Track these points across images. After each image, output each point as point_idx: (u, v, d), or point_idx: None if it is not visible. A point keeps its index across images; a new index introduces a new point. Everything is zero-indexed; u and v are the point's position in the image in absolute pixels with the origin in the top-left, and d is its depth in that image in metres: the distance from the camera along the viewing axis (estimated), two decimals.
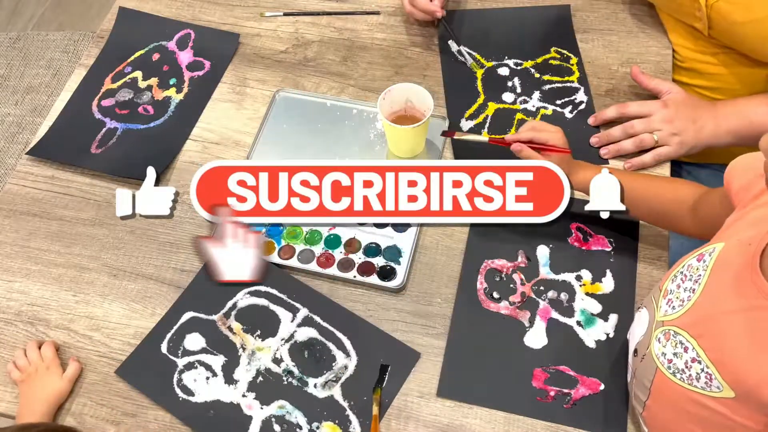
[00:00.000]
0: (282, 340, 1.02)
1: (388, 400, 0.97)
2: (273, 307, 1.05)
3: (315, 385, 0.98)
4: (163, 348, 1.01)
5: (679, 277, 0.82)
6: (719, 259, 0.77)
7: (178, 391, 0.98)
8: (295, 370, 1.00)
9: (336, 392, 0.98)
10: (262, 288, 1.06)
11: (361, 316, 1.03)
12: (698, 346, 0.76)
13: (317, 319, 1.03)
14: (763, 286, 0.70)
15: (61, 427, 0.65)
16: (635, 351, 0.90)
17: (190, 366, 1.00)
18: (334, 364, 1.00)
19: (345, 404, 0.97)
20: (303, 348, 1.01)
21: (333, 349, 1.01)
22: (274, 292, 1.06)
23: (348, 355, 1.00)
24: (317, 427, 0.95)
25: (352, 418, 0.96)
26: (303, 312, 1.04)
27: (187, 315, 1.04)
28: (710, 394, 0.75)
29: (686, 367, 0.77)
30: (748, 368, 0.71)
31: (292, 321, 1.03)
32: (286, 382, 0.99)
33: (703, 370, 0.75)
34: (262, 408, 0.97)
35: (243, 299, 1.05)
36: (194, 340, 1.02)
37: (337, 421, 0.95)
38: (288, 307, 1.04)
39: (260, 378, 0.99)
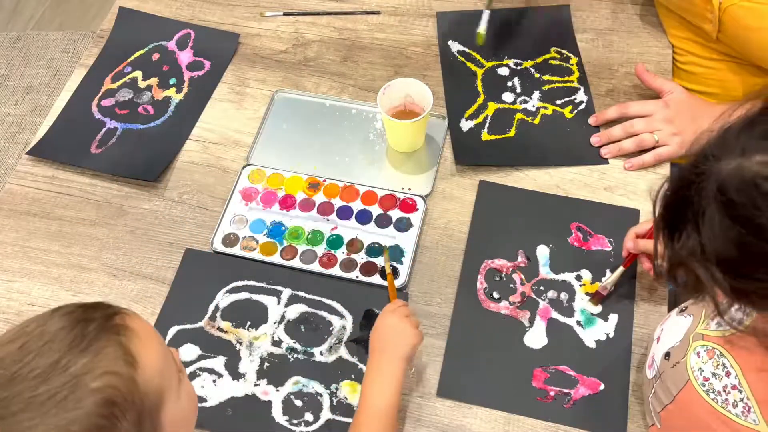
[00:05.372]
0: (275, 323, 1.03)
1: None
2: (255, 297, 1.05)
3: (321, 353, 1.00)
4: None
5: None
6: None
7: None
8: (298, 346, 1.01)
9: (343, 352, 1.00)
10: (239, 283, 1.06)
11: (338, 275, 1.06)
12: (743, 378, 0.73)
13: (302, 294, 1.05)
14: None
15: (87, 304, 0.69)
16: (667, 354, 0.86)
17: (192, 376, 1.00)
18: (331, 328, 1.02)
19: (355, 360, 0.99)
20: (298, 324, 1.03)
21: (326, 316, 1.03)
22: (252, 283, 1.06)
23: (342, 316, 1.03)
24: (336, 389, 0.97)
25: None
26: (287, 292, 1.05)
27: (173, 330, 1.03)
28: (743, 423, 0.72)
29: (724, 390, 0.74)
30: None
31: (278, 304, 1.04)
32: (292, 359, 1.00)
33: (742, 399, 0.72)
34: (278, 390, 0.98)
35: (223, 299, 1.05)
36: (188, 351, 1.01)
37: (353, 376, 0.98)
38: (270, 293, 1.05)
39: (266, 364, 1.00)
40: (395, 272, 1.05)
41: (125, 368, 0.65)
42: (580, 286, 1.04)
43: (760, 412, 0.71)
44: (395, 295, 1.01)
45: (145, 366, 0.66)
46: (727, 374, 0.74)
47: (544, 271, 1.05)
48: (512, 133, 1.19)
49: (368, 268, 1.06)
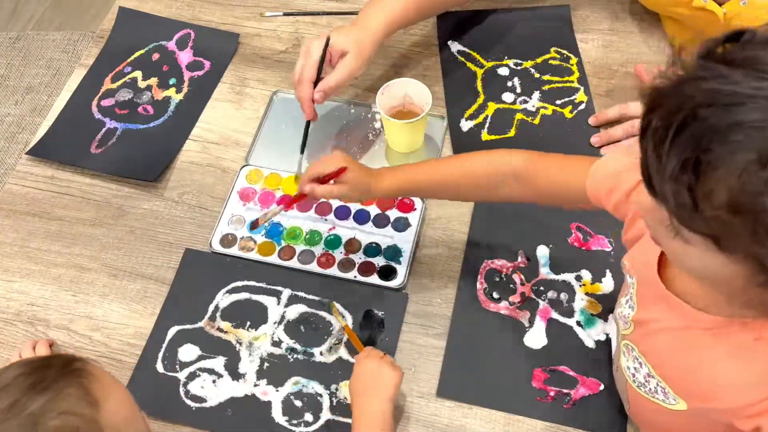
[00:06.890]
0: (274, 323, 1.03)
1: (392, 349, 0.99)
2: (255, 297, 1.05)
3: (321, 353, 1.00)
4: (159, 368, 1.00)
5: (625, 292, 0.82)
6: (637, 277, 0.78)
7: (188, 402, 0.97)
8: (297, 346, 1.01)
9: (342, 353, 1.00)
10: (240, 283, 1.06)
11: (336, 275, 1.06)
12: (647, 363, 0.77)
13: (302, 294, 1.05)
14: (677, 304, 0.69)
15: (46, 355, 0.68)
16: (613, 360, 0.91)
17: (192, 376, 0.99)
18: (331, 328, 1.02)
19: (355, 360, 0.98)
20: (297, 324, 1.03)
21: (326, 316, 1.03)
22: (252, 283, 1.06)
23: (342, 316, 1.02)
24: (336, 389, 0.97)
25: None
26: (286, 292, 1.05)
27: (173, 330, 1.03)
28: (670, 407, 0.75)
29: (645, 381, 0.78)
30: (689, 384, 0.72)
31: (278, 304, 1.04)
32: (292, 360, 1.00)
33: (657, 384, 0.76)
34: (277, 390, 0.98)
35: (223, 299, 1.05)
36: (188, 351, 1.01)
37: None
38: (270, 293, 1.05)
39: (266, 364, 1.00)
40: (391, 271, 1.05)
41: (86, 409, 0.63)
42: (580, 286, 1.04)
43: (671, 390, 0.74)
44: (360, 345, 0.98)
45: (108, 410, 0.65)
46: (640, 365, 0.78)
47: (544, 272, 1.05)
48: (512, 133, 1.19)
49: (366, 268, 1.06)
